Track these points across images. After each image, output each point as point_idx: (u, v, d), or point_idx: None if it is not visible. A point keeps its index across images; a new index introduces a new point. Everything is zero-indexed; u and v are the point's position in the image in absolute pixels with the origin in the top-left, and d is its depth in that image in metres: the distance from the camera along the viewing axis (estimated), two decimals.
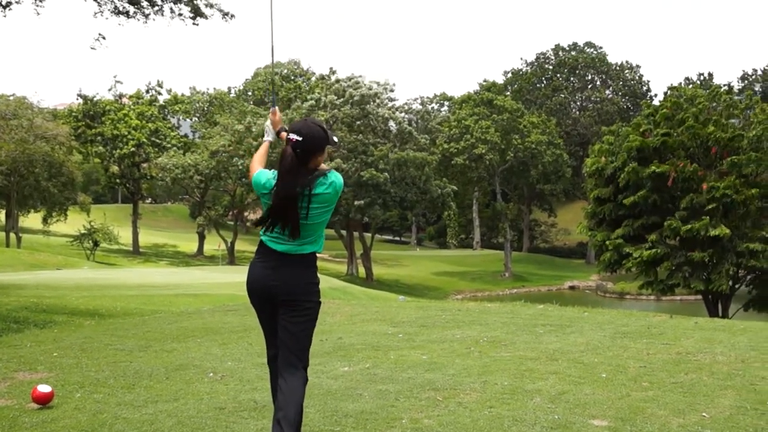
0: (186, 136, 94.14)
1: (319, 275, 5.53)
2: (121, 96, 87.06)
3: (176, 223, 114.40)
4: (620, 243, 34.70)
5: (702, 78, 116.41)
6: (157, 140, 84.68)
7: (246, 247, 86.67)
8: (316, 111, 66.68)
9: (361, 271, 74.11)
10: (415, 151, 68.04)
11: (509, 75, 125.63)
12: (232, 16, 20.72)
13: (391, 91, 71.83)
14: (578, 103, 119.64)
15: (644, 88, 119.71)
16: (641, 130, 36.05)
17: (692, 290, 35.60)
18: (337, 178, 5.33)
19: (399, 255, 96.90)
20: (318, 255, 5.50)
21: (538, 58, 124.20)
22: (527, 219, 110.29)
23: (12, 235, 70.66)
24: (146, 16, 20.03)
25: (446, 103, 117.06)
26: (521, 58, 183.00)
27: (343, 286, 44.79)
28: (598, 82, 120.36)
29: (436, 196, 70.12)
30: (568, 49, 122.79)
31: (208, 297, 29.33)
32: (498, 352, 10.16)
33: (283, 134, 5.66)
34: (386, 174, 64.30)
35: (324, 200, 5.28)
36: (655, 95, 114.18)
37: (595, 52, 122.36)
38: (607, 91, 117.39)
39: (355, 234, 76.28)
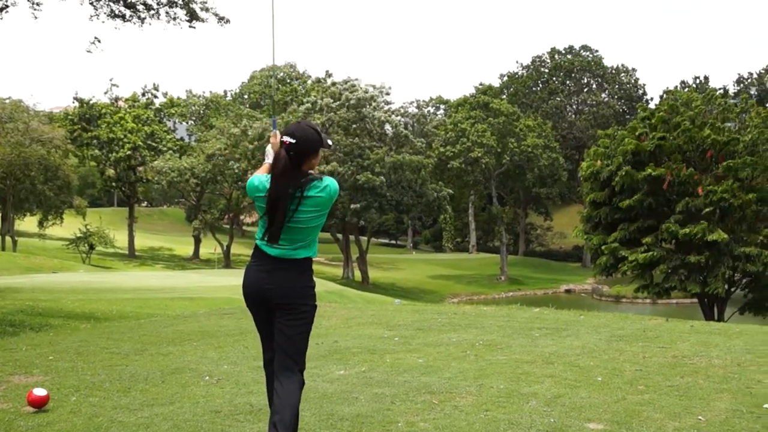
0: (182, 139, 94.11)
1: (315, 278, 5.52)
2: (117, 99, 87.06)
3: (172, 226, 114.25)
4: (616, 247, 34.73)
5: (698, 81, 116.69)
6: (153, 143, 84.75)
7: (242, 250, 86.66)
8: (312, 114, 66.67)
9: (357, 274, 74.09)
10: (411, 154, 68.03)
11: (505, 78, 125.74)
12: (228, 21, 20.72)
13: (387, 94, 71.85)
14: (574, 107, 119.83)
15: (640, 91, 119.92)
16: (637, 133, 36.07)
17: (688, 293, 35.61)
18: (332, 183, 5.32)
19: (395, 258, 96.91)
20: (313, 259, 5.49)
21: (534, 61, 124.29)
22: (523, 222, 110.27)
23: (8, 239, 70.61)
24: (142, 20, 20.03)
25: (442, 106, 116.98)
26: (517, 62, 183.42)
27: (339, 290, 44.77)
28: (594, 86, 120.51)
29: (432, 199, 70.14)
30: (564, 52, 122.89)
31: (203, 300, 29.31)
32: (494, 355, 10.17)
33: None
34: (382, 177, 64.31)
35: (317, 204, 5.26)
36: (651, 99, 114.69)
37: (591, 55, 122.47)
38: (603, 95, 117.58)
39: (351, 237, 76.27)
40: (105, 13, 19.75)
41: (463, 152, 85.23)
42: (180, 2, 19.97)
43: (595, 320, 14.12)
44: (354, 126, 67.91)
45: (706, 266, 33.66)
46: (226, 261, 79.06)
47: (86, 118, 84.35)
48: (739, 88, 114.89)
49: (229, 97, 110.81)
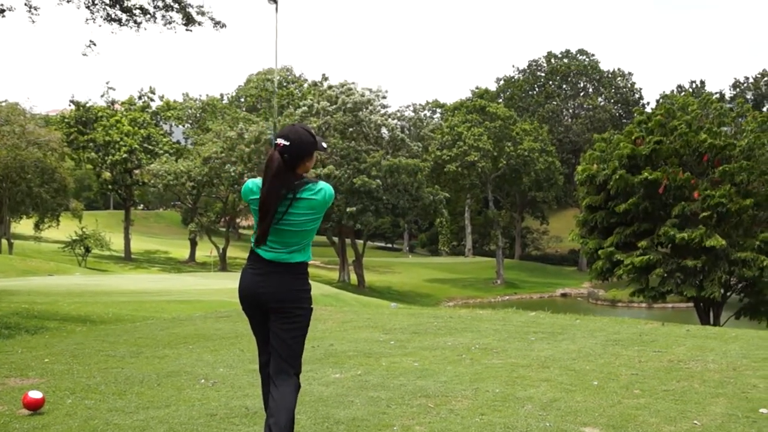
0: (178, 142, 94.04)
1: (310, 282, 5.52)
2: (113, 102, 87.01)
3: (168, 229, 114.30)
4: (612, 251, 34.71)
5: (694, 86, 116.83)
6: (150, 146, 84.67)
7: (238, 253, 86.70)
8: (308, 117, 66.75)
9: (353, 277, 74.12)
10: (408, 158, 68.12)
11: (501, 82, 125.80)
12: (224, 25, 20.69)
13: (384, 98, 71.94)
14: (570, 111, 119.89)
15: (636, 95, 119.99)
16: (633, 137, 36.06)
17: (684, 298, 35.56)
18: (327, 187, 5.31)
19: (391, 262, 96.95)
20: (309, 262, 5.49)
21: (530, 65, 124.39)
22: (519, 226, 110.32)
23: (4, 241, 70.59)
24: (138, 24, 20.00)
25: (438, 110, 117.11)
26: (513, 65, 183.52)
27: (335, 293, 44.77)
28: (590, 90, 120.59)
29: (429, 203, 70.19)
30: (560, 56, 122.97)
31: (199, 303, 29.27)
32: (490, 359, 10.17)
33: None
34: (378, 181, 64.38)
35: (310, 206, 5.26)
36: (648, 103, 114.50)
37: (587, 59, 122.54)
38: (600, 99, 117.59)
39: (347, 241, 76.30)
40: (101, 17, 19.71)
41: (460, 156, 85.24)
42: (176, 6, 19.95)
43: (590, 324, 14.12)
44: (350, 129, 68.00)
45: (703, 270, 33.68)
46: (222, 264, 79.01)
47: (83, 121, 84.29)
48: (735, 92, 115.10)
49: (225, 101, 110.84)
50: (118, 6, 19.73)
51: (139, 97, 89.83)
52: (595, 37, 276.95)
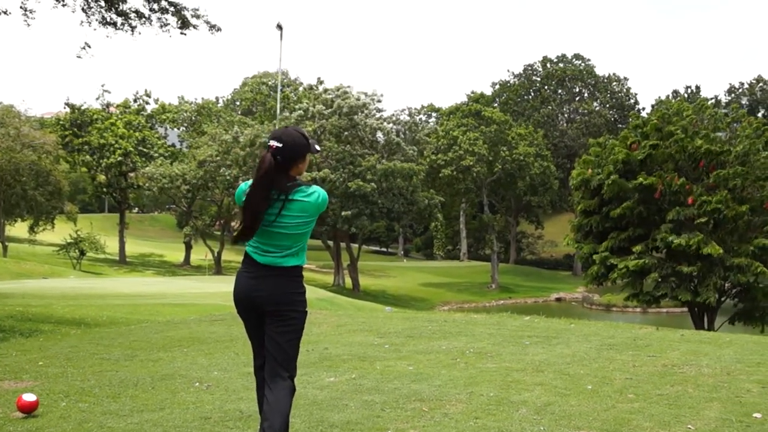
0: (173, 145, 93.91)
1: (305, 285, 5.52)
2: (108, 105, 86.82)
3: (163, 232, 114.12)
4: (607, 255, 34.73)
5: (689, 91, 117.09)
6: (145, 149, 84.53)
7: (233, 257, 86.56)
8: (303, 121, 66.71)
9: (348, 281, 74.07)
10: (403, 162, 68.08)
11: (497, 87, 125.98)
12: (219, 29, 20.70)
13: (379, 101, 71.89)
14: (566, 115, 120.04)
15: (632, 100, 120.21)
16: (629, 142, 36.08)
17: (678, 302, 35.60)
18: (320, 191, 5.31)
19: (386, 266, 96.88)
20: (304, 266, 5.49)
21: (525, 69, 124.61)
22: (514, 231, 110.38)
23: None
24: (133, 27, 19.99)
25: (434, 114, 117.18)
26: (508, 70, 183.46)
27: (330, 297, 44.74)
28: (585, 94, 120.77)
29: (424, 207, 70.19)
30: (555, 60, 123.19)
31: (194, 307, 29.27)
32: (484, 363, 10.18)
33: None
34: (373, 185, 64.36)
35: (303, 209, 5.25)
36: (643, 108, 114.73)
37: (583, 64, 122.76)
38: (595, 104, 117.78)
39: (342, 245, 76.22)
40: (97, 20, 19.69)
41: (455, 160, 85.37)
42: (171, 9, 19.95)
43: (585, 329, 14.15)
44: (346, 133, 67.99)
45: (698, 276, 33.69)
46: (217, 267, 78.96)
47: (77, 123, 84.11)
48: (730, 97, 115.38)
49: (220, 104, 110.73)
50: (113, 10, 19.72)
51: (135, 100, 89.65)
52: (591, 42, 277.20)
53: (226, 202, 78.92)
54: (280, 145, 5.20)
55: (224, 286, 37.38)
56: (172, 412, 7.22)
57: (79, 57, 20.02)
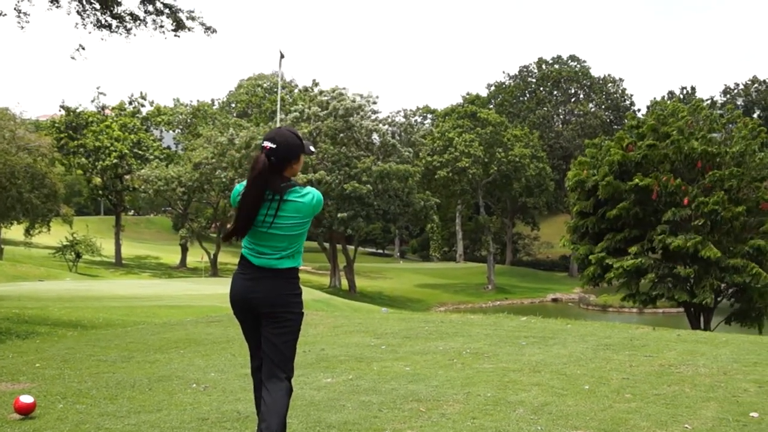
0: (169, 147, 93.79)
1: (301, 286, 5.53)
2: (103, 107, 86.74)
3: (159, 235, 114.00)
4: (603, 256, 34.73)
5: (685, 92, 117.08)
6: (140, 152, 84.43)
7: (228, 259, 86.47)
8: (299, 123, 66.72)
9: (344, 283, 74.06)
10: (398, 163, 68.08)
11: (492, 88, 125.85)
12: (214, 30, 20.68)
13: (374, 103, 71.92)
14: (561, 117, 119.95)
15: (627, 101, 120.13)
16: (624, 143, 36.07)
17: (675, 302, 35.63)
18: (316, 192, 5.32)
19: (382, 267, 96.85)
20: (300, 267, 5.49)
21: (521, 71, 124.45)
22: (510, 232, 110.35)
23: None
24: (128, 30, 19.96)
25: (429, 115, 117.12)
26: (504, 72, 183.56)
27: (326, 298, 44.75)
28: (581, 96, 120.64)
29: (419, 208, 70.21)
30: (551, 62, 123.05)
31: (190, 308, 29.27)
32: (481, 363, 10.18)
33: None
34: (369, 186, 64.34)
35: (297, 210, 5.26)
36: (638, 110, 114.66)
37: (578, 65, 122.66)
38: (590, 105, 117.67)
39: (338, 246, 76.26)
40: (91, 22, 19.66)
41: (451, 162, 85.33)
42: (167, 11, 19.93)
43: (581, 329, 14.16)
44: (341, 135, 67.95)
45: (694, 276, 33.70)
46: (213, 269, 78.89)
47: (73, 126, 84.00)
48: (726, 98, 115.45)
49: (216, 106, 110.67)
50: (108, 12, 19.69)
51: (130, 103, 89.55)
52: (586, 43, 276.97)
53: (221, 204, 78.86)
54: (274, 146, 5.21)
55: (220, 288, 37.42)
56: (169, 413, 7.22)
57: (73, 58, 19.96)
